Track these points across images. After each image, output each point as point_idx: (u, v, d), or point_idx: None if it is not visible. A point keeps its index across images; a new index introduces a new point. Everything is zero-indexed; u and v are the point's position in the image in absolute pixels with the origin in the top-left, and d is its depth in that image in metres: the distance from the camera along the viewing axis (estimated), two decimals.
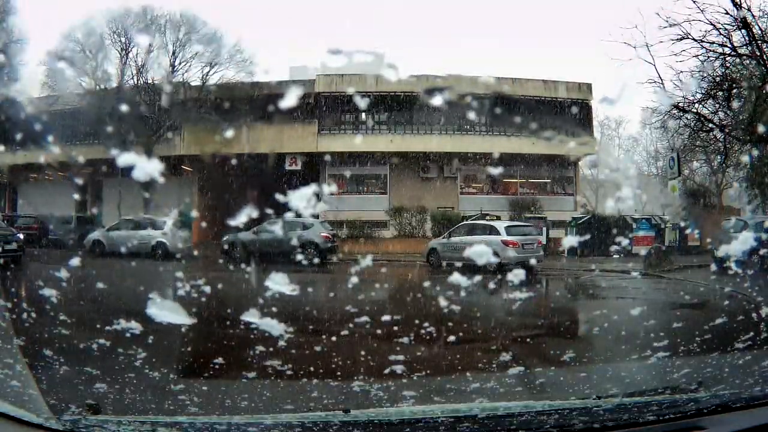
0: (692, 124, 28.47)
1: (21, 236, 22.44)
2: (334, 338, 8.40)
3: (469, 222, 24.72)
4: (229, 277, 19.89)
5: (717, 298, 15.21)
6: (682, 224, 28.57)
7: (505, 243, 23.01)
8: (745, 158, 27.75)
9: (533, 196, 36.64)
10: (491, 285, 19.14)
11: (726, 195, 39.39)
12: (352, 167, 36.02)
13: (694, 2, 23.81)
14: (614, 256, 26.68)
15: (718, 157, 34.67)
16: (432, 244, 25.93)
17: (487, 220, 25.93)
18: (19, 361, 4.24)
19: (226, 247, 26.50)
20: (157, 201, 31.19)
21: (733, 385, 4.34)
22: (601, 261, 25.81)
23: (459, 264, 23.04)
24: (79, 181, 38.90)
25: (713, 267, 22.97)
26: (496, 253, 23.02)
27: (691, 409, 2.98)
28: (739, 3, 22.78)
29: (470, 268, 20.15)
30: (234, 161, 31.29)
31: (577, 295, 19.05)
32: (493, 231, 24.10)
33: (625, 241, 29.94)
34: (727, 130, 27.96)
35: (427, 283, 18.87)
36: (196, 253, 28.99)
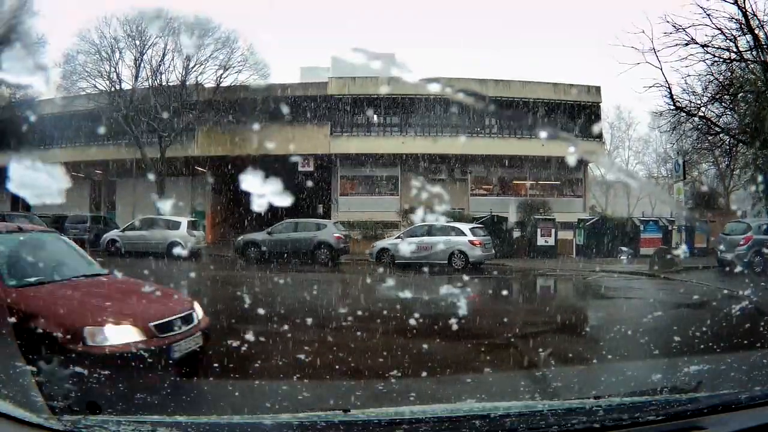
0: (699, 127, 28.64)
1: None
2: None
3: (426, 224, 24.98)
4: (245, 276, 20.29)
5: (719, 299, 15.36)
6: (689, 225, 28.68)
7: (472, 243, 24.06)
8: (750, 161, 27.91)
9: (543, 197, 36.77)
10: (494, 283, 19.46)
11: (734, 197, 39.41)
12: (363, 168, 36.29)
13: (700, 8, 24.05)
14: (621, 257, 26.83)
15: (725, 159, 34.84)
16: (382, 244, 26.05)
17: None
18: (19, 361, 4.37)
19: (240, 246, 26.77)
20: (171, 201, 31.37)
21: (733, 385, 4.33)
22: (609, 262, 25.98)
23: (416, 263, 23.54)
24: (94, 181, 39.32)
25: (718, 268, 23.36)
26: (463, 253, 23.80)
27: (691, 409, 2.96)
28: (744, 9, 22.98)
29: (439, 267, 20.24)
30: (247, 162, 31.62)
31: (584, 296, 19.26)
32: (457, 232, 24.72)
33: (632, 243, 30.16)
34: (732, 133, 28.14)
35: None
36: (210, 252, 29.28)
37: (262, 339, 7.53)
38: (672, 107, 26.93)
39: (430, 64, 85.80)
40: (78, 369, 5.78)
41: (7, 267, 7.20)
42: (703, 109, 27.18)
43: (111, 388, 5.68)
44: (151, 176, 34.18)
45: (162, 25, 34.05)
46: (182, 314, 7.35)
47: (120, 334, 6.49)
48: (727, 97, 26.56)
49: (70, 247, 8.79)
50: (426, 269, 22.08)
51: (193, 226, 28.54)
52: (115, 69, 34.96)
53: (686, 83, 28.04)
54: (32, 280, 7.22)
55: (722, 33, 23.89)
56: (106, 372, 5.82)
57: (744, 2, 22.97)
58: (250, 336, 7.19)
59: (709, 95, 26.82)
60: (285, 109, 32.17)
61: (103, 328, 6.44)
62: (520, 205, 35.14)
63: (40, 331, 6.17)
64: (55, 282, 7.47)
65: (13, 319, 6.15)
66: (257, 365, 7.25)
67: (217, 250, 30.73)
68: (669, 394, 3.52)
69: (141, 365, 6.37)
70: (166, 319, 7.08)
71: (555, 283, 23.13)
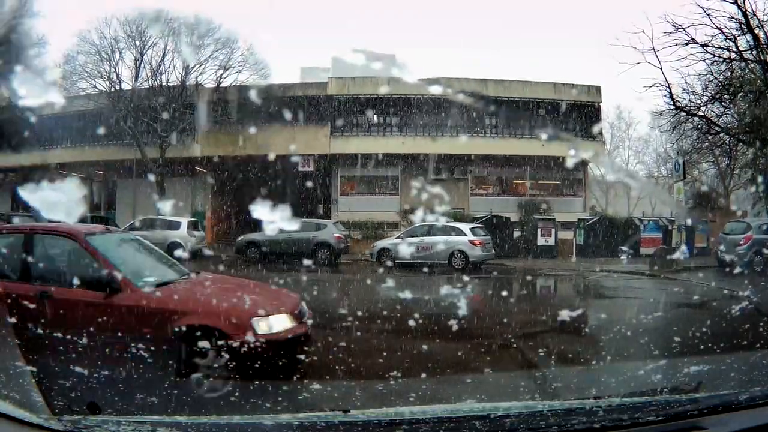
0: (699, 126, 28.66)
1: None
2: None
3: (426, 224, 25.06)
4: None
5: (719, 299, 15.39)
6: (687, 225, 28.72)
7: (473, 243, 24.19)
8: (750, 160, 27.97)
9: (543, 197, 36.86)
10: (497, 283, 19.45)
11: (734, 197, 39.43)
12: (363, 169, 36.29)
13: (700, 7, 24.06)
14: (622, 257, 26.85)
15: (725, 159, 34.88)
16: (382, 244, 26.24)
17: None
18: (19, 361, 4.31)
19: (241, 247, 26.82)
20: (171, 201, 31.41)
21: (733, 385, 4.35)
22: (609, 262, 25.99)
23: (416, 263, 23.58)
24: (94, 181, 39.31)
25: (718, 268, 23.38)
26: (464, 253, 23.84)
27: (691, 409, 2.96)
28: (744, 8, 22.98)
29: (439, 267, 20.27)
30: (247, 162, 31.66)
31: (585, 296, 19.27)
32: (458, 232, 24.79)
33: (632, 243, 30.17)
34: (732, 133, 28.15)
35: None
36: (210, 253, 29.25)
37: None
38: (672, 107, 26.91)
39: (430, 64, 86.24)
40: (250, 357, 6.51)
41: (128, 269, 7.48)
42: (703, 108, 27.17)
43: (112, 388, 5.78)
44: (151, 177, 34.20)
45: (162, 27, 34.09)
46: (302, 303, 8.09)
47: (280, 322, 7.23)
48: (727, 96, 26.55)
49: (153, 247, 9.21)
50: (426, 269, 22.11)
51: (193, 226, 28.59)
52: (115, 69, 35.05)
53: (686, 83, 28.11)
54: (152, 280, 7.57)
55: (722, 32, 23.88)
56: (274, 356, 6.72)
57: (744, 2, 22.99)
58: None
59: (709, 95, 26.82)
60: (285, 110, 32.18)
61: (269, 318, 7.15)
62: (520, 205, 35.22)
63: (198, 326, 6.74)
64: (175, 281, 7.90)
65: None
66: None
67: (218, 250, 30.70)
68: (669, 395, 3.52)
69: (298, 348, 7.29)
70: (299, 308, 7.84)
71: (555, 283, 23.15)
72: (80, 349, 6.19)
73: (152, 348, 6.32)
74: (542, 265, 26.92)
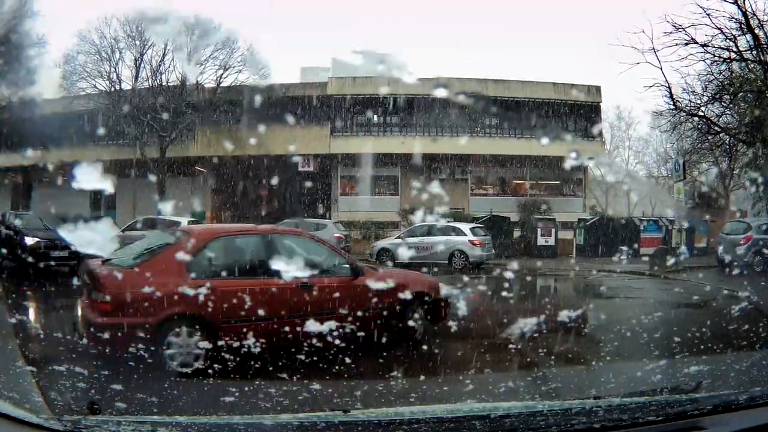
0: (699, 126, 28.66)
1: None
2: None
3: (426, 224, 25.10)
4: None
5: (719, 299, 15.35)
6: (687, 225, 28.68)
7: (473, 243, 24.33)
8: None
9: (543, 197, 36.86)
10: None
11: (734, 197, 39.41)
12: (363, 169, 36.28)
13: (700, 7, 24.06)
14: (621, 257, 26.84)
15: (726, 159, 34.87)
16: (382, 244, 26.54)
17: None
18: (19, 361, 4.37)
19: None
20: (171, 201, 31.39)
21: (733, 385, 4.38)
22: (609, 262, 25.94)
23: (416, 263, 23.54)
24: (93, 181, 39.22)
25: (718, 268, 23.34)
26: (464, 253, 23.84)
27: (690, 409, 2.96)
28: (744, 8, 22.99)
29: (439, 267, 20.46)
30: (247, 162, 31.67)
31: (585, 296, 19.22)
32: (458, 232, 24.87)
33: (632, 243, 30.11)
34: (732, 133, 28.16)
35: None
36: None
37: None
38: (672, 107, 26.95)
39: (430, 64, 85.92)
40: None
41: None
42: (703, 108, 27.20)
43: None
44: (152, 177, 34.18)
45: (162, 28, 34.06)
46: None
47: (445, 288, 10.05)
48: (727, 96, 26.56)
49: None
50: (426, 269, 22.05)
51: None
52: (115, 69, 35.05)
53: (686, 83, 28.11)
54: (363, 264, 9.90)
55: (722, 32, 23.92)
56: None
57: (744, 2, 23.02)
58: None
59: (709, 95, 26.84)
60: (285, 109, 32.17)
61: (443, 285, 10.09)
62: (520, 205, 35.19)
63: (418, 292, 9.30)
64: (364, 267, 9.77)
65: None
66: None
67: None
68: (669, 395, 3.53)
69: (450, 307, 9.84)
70: None
71: (555, 283, 23.10)
72: (350, 320, 7.28)
73: (394, 309, 8.73)
74: (542, 265, 26.84)
